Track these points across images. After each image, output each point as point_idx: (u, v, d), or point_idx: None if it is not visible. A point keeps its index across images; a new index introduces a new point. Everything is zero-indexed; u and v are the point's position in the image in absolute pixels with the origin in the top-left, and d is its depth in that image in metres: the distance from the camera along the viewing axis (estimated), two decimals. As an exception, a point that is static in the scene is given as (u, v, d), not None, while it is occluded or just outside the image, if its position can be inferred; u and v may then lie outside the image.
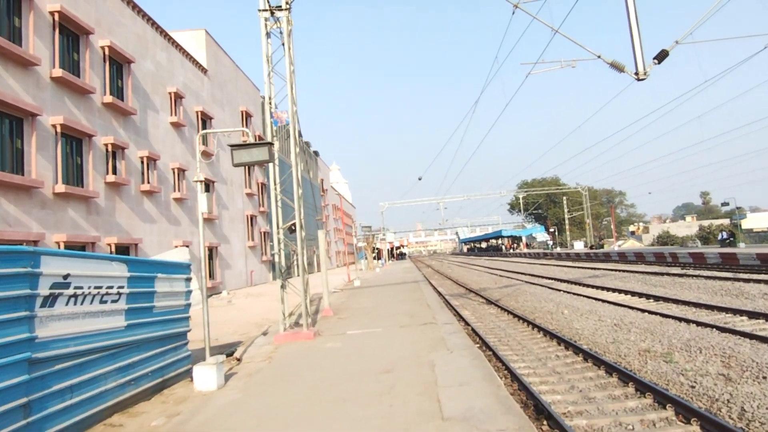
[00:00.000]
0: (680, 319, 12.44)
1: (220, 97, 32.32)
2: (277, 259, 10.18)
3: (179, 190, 24.88)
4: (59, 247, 15.78)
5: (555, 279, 26.92)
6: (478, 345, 11.28)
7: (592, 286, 21.44)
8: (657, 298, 16.53)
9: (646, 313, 13.87)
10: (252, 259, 36.67)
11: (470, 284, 29.23)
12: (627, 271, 28.35)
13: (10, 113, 14.47)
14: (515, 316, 15.46)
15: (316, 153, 73.27)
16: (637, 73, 10.29)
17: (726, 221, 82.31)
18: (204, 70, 29.88)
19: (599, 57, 10.48)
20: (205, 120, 29.20)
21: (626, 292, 18.58)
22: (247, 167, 37.00)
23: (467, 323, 14.32)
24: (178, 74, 26.09)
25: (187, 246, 25.13)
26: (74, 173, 17.35)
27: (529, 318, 14.90)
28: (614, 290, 19.44)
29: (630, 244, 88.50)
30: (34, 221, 14.98)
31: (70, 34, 17.59)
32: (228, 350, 10.25)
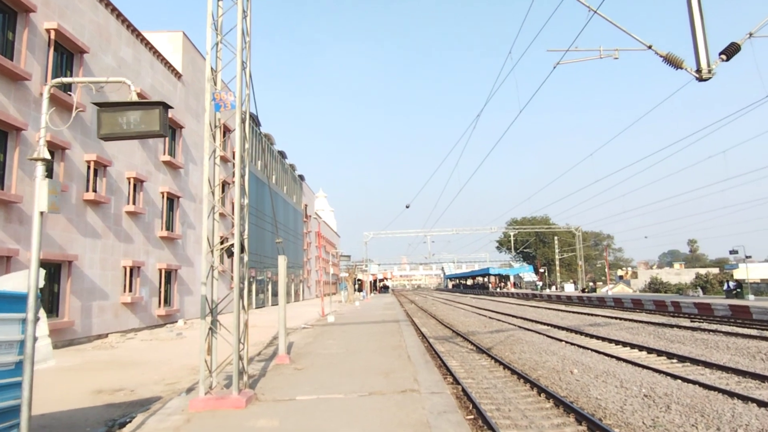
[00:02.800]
0: (731, 394, 9.71)
1: (195, 107, 29.68)
2: (204, 291, 7.36)
3: (134, 203, 21.96)
4: (-41, 260, 12.80)
5: (551, 325, 24.24)
6: (472, 417, 8.47)
7: (598, 337, 18.74)
8: (682, 359, 13.84)
9: (680, 381, 11.15)
10: (220, 285, 33.41)
11: (457, 326, 26.40)
12: (631, 320, 25.72)
13: None
14: (513, 372, 12.71)
15: (301, 177, 70.66)
16: (699, 71, 7.81)
17: (715, 270, 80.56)
18: (178, 75, 27.30)
19: (650, 47, 8.01)
20: (174, 128, 26.48)
21: (641, 348, 15.90)
22: (221, 184, 34.14)
23: (456, 380, 11.51)
24: (146, 75, 23.47)
25: (139, 267, 22.11)
26: (-7, 172, 14.46)
27: (531, 377, 12.13)
28: (625, 344, 16.76)
29: (620, 289, 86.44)
30: (-75, 225, 12.02)
31: (6, 10, 14.94)
32: (123, 418, 7.33)
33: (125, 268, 21.24)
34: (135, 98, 4.99)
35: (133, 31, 22.35)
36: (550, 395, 10.10)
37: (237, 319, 7.21)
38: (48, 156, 4.46)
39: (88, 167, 18.65)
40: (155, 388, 9.98)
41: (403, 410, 6.44)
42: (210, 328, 7.41)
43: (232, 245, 7.48)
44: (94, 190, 19.03)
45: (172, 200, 25.98)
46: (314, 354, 13.05)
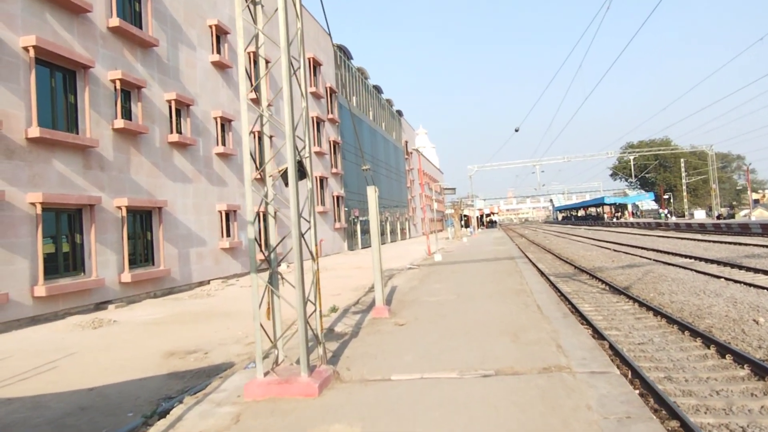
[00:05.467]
0: None
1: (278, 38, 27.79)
2: (249, 233, 5.37)
3: (224, 144, 20.81)
4: (36, 209, 11.99)
5: (695, 258, 20.39)
6: (638, 392, 5.96)
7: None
8: None
9: None
10: (322, 227, 32.59)
11: (578, 261, 23.30)
12: (804, 250, 21.14)
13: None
14: (670, 320, 9.85)
15: (399, 113, 68.05)
16: None
17: None
18: (259, 4, 25.39)
19: None
20: (258, 62, 24.80)
21: None
22: (315, 122, 32.58)
23: (598, 333, 8.94)
24: (222, 6, 21.76)
25: (235, 211, 21.18)
26: (66, 115, 13.47)
27: (700, 328, 9.22)
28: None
29: (759, 214, 76.62)
30: (-6, 175, 11.18)
31: (57, -67, 13.51)
32: (172, 401, 5.66)
33: (221, 212, 20.38)
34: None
35: (205, -44, 20.51)
36: (742, 358, 7.26)
37: (299, 272, 5.12)
38: None
39: (170, 107, 17.45)
40: (232, 349, 8.42)
41: (555, 411, 4.05)
42: (271, 281, 5.41)
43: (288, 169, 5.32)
44: (179, 132, 17.92)
45: (263, 140, 24.71)
46: (419, 302, 10.98)
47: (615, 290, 14.10)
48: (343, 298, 13.35)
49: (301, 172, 5.41)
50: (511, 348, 6.18)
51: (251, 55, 23.89)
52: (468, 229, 69.13)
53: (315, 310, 5.56)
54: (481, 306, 9.84)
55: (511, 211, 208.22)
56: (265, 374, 5.05)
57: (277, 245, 5.68)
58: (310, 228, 5.63)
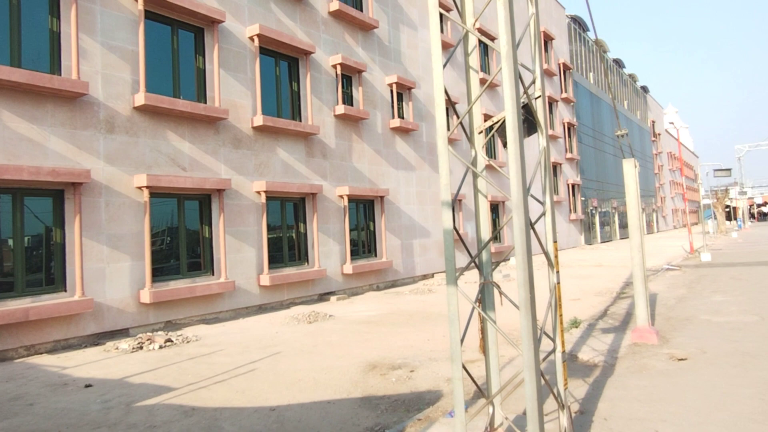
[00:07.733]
0: None
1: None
2: (445, 220, 3.49)
3: (448, 129, 19.46)
4: (260, 197, 11.99)
5: None
6: None
7: None
8: None
9: None
10: (557, 218, 29.42)
11: None
12: None
13: (182, 19, 10.92)
14: None
15: (644, 89, 59.72)
16: None
17: None
18: (485, -22, 23.51)
19: None
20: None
21: None
22: (548, 102, 29.50)
23: None
24: (447, -20, 20.39)
25: (460, 200, 19.76)
26: (289, 102, 13.40)
27: None
28: None
29: None
30: (223, 164, 11.35)
31: None
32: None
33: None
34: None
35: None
36: None
37: (526, 287, 3.01)
38: None
39: (391, 91, 16.67)
40: (443, 369, 6.71)
41: None
42: (479, 298, 3.49)
43: (501, 121, 3.29)
44: (401, 117, 17.07)
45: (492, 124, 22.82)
46: (698, 323, 7.89)
47: None
48: (584, 305, 10.75)
49: (529, 124, 3.36)
50: None
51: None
52: (736, 221, 57.51)
53: (554, 350, 3.45)
54: (813, 338, 6.44)
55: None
56: (471, 449, 3.14)
57: (489, 241, 3.72)
58: (544, 214, 3.54)
